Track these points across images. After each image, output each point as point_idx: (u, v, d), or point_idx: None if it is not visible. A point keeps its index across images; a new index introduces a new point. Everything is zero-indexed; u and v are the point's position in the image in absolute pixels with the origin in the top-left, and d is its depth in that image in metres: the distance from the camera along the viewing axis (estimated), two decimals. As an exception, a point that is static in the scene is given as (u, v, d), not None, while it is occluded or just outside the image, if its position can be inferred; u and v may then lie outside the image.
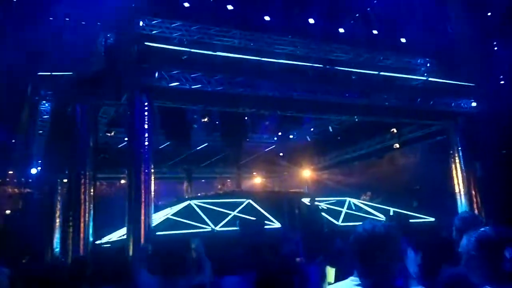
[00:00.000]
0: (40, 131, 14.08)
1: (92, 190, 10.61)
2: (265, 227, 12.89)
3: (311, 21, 13.38)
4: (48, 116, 12.21)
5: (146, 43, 10.31)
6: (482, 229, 2.67)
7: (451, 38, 15.23)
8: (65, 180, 15.89)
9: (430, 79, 13.89)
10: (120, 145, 14.91)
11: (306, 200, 15.19)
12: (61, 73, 11.18)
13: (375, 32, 14.15)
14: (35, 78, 12.07)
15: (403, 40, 14.24)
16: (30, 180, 18.47)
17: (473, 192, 13.58)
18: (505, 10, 15.38)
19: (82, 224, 10.40)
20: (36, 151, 15.44)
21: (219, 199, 15.04)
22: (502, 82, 15.62)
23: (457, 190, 13.76)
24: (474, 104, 13.88)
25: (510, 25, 15.50)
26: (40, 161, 16.04)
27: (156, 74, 10.00)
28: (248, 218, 13.08)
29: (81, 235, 10.36)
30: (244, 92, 10.77)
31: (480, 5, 15.34)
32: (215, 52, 11.23)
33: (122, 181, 18.62)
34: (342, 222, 14.39)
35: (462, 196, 13.64)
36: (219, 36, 12.44)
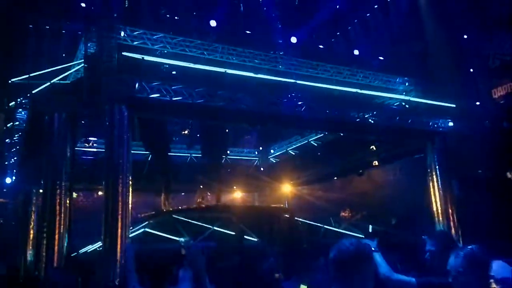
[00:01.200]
0: (16, 139, 13.80)
1: (68, 201, 10.40)
2: (244, 242, 12.83)
3: (293, 39, 13.54)
4: (24, 124, 11.96)
5: (127, 54, 10.24)
6: (469, 247, 2.78)
7: (429, 58, 15.59)
8: (41, 190, 15.58)
9: (408, 98, 14.12)
10: (98, 156, 14.70)
11: (285, 215, 15.18)
12: (38, 81, 11.04)
13: (356, 52, 14.40)
14: (11, 84, 11.88)
15: (381, 58, 14.52)
16: (4, 190, 18.04)
17: (450, 211, 13.73)
18: (480, 31, 15.85)
19: (57, 236, 10.14)
20: (11, 160, 15.10)
21: (199, 212, 14.92)
22: (477, 102, 15.98)
23: (434, 208, 13.90)
24: (451, 123, 14.14)
25: (485, 47, 15.96)
26: (15, 171, 15.70)
27: (137, 85, 9.92)
28: (227, 233, 13.00)
29: (56, 247, 10.12)
30: (225, 105, 10.75)
31: (457, 26, 15.76)
32: (197, 64, 11.21)
33: (100, 193, 18.31)
34: (321, 238, 14.42)
35: (440, 214, 13.78)
36: (201, 49, 12.44)
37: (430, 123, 13.87)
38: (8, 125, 13.03)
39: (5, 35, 15.00)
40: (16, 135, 13.00)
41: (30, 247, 15.73)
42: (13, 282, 11.29)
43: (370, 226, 15.52)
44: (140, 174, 16.74)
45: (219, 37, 12.79)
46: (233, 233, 13.18)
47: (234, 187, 21.69)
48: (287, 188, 20.91)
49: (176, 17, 12.41)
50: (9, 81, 11.65)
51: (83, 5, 12.70)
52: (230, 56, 12.55)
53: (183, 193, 22.02)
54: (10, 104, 11.75)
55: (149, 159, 17.27)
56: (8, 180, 16.42)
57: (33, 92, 10.34)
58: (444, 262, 3.00)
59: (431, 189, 13.98)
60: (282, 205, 19.66)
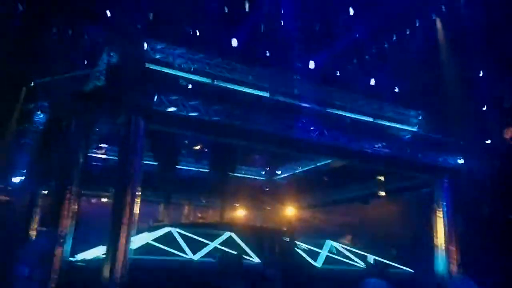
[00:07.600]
0: (28, 140, 13.90)
1: (76, 206, 10.45)
2: (244, 262, 12.75)
3: (312, 63, 13.69)
4: (41, 127, 12.08)
5: (149, 66, 10.39)
6: None
7: (443, 94, 15.71)
8: (45, 192, 15.60)
9: (420, 132, 14.19)
10: (109, 163, 14.76)
11: (287, 239, 15.09)
12: (57, 82, 11.15)
13: (372, 81, 14.54)
14: (32, 86, 12.02)
15: (396, 90, 14.67)
16: (9, 188, 18.06)
17: (453, 248, 13.65)
18: (495, 71, 15.95)
19: (61, 240, 10.18)
20: (21, 160, 15.19)
21: (201, 228, 14.87)
22: (488, 141, 16.00)
23: (436, 243, 13.84)
24: (460, 161, 14.16)
25: (500, 86, 16.05)
26: (24, 171, 15.75)
27: (155, 98, 10.05)
28: (228, 251, 12.93)
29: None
30: (240, 125, 10.86)
31: (473, 64, 15.87)
32: (215, 81, 11.35)
33: (103, 200, 18.34)
34: (321, 264, 14.30)
35: (442, 249, 13.71)
36: (220, 67, 12.57)
37: (441, 159, 13.90)
38: (23, 125, 13.14)
39: (27, 36, 15.21)
40: (30, 136, 13.10)
41: (30, 247, 15.69)
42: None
43: (372, 258, 15.40)
44: (146, 184, 16.77)
45: (239, 57, 12.94)
46: (234, 252, 13.10)
47: (238, 205, 21.67)
48: (290, 210, 20.85)
49: (198, 34, 12.57)
50: (31, 84, 11.79)
51: (108, 13, 12.85)
52: (249, 76, 12.68)
53: (186, 206, 22.00)
54: (31, 106, 11.88)
55: (156, 170, 17.26)
56: (16, 180, 16.46)
57: (54, 97, 10.49)
58: None
59: (435, 224, 13.95)
60: (284, 228, 19.56)
